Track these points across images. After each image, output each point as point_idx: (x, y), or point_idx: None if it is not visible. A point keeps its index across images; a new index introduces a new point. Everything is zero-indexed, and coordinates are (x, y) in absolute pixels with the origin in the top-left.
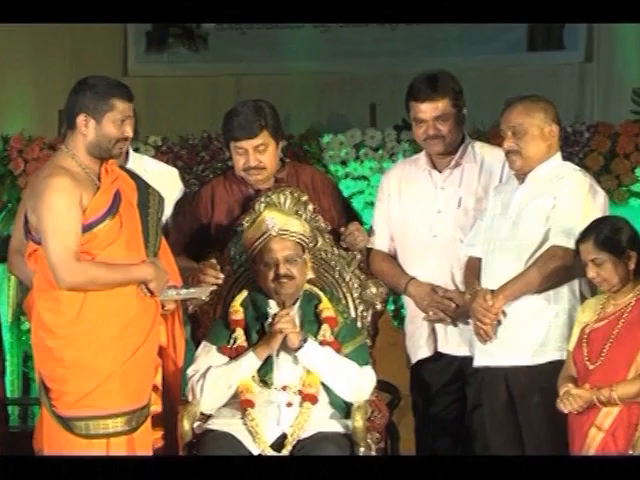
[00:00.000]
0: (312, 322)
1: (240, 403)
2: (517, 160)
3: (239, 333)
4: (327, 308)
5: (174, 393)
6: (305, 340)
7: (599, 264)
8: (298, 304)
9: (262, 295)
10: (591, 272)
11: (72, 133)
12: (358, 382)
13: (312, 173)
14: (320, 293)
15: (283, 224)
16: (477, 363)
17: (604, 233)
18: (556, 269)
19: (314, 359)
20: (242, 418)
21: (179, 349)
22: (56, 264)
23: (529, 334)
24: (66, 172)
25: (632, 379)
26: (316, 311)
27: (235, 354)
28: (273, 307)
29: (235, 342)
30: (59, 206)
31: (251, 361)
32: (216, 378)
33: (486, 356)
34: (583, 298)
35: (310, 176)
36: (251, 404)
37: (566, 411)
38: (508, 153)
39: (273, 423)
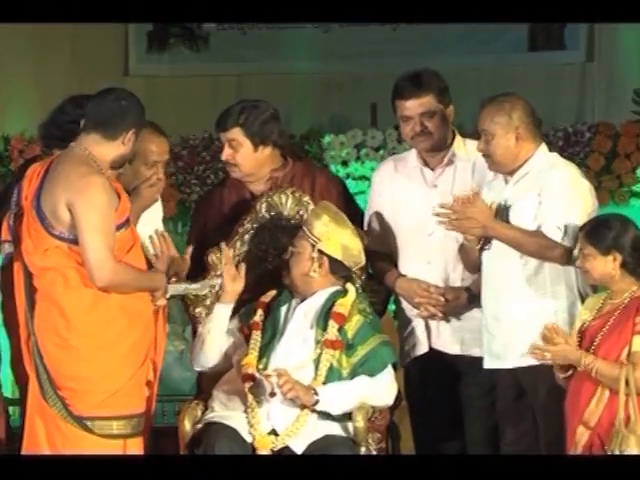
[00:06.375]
0: (326, 317)
1: (242, 378)
2: (490, 163)
3: (259, 313)
4: (341, 304)
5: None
6: (316, 393)
7: (584, 255)
8: (324, 297)
9: (287, 292)
10: (578, 261)
11: (104, 139)
12: (373, 396)
13: (314, 178)
14: (351, 288)
15: None
16: (487, 366)
17: (591, 225)
18: (542, 251)
19: (333, 403)
20: (241, 410)
21: (159, 347)
22: (98, 262)
23: (532, 334)
24: (101, 172)
25: (615, 364)
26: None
27: (247, 331)
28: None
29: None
30: (103, 205)
31: (219, 307)
32: (199, 331)
33: (495, 359)
34: (581, 294)
35: (310, 182)
36: (252, 378)
37: (543, 359)
38: (483, 156)
39: (264, 418)
